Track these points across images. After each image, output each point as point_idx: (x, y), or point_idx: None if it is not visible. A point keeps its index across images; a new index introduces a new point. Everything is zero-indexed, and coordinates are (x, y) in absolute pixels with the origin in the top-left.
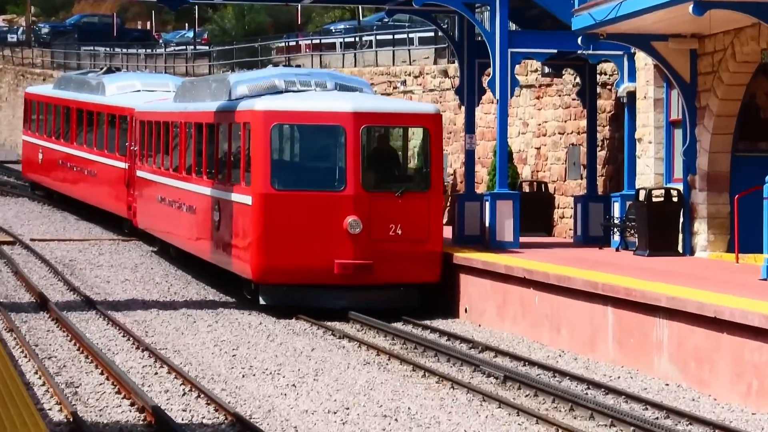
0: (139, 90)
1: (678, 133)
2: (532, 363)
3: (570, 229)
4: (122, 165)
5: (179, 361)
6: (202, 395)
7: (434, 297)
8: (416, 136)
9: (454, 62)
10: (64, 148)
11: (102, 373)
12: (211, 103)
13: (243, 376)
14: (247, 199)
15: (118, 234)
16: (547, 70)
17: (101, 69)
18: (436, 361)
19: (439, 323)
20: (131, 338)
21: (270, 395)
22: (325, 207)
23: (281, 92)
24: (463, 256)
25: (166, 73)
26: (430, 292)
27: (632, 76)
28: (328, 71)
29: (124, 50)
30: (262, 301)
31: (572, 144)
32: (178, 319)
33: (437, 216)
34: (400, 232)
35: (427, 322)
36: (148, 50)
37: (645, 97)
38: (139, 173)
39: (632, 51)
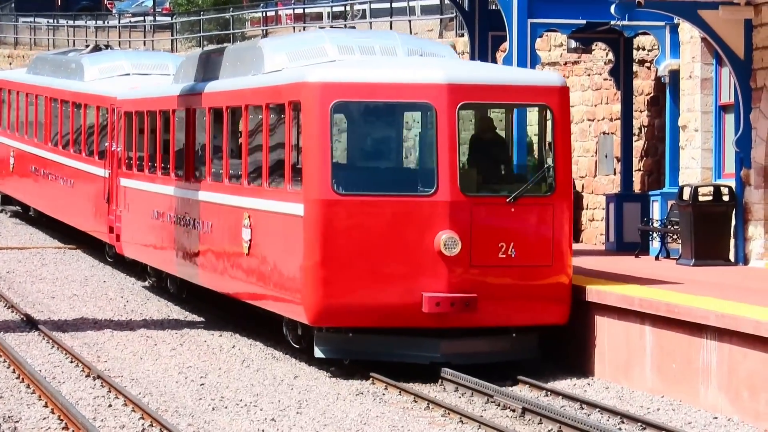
0: (129, 73)
1: (730, 119)
2: (555, 393)
3: (601, 234)
4: (101, 172)
5: (137, 391)
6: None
7: (558, 345)
8: (532, 117)
9: (463, 35)
10: (38, 151)
11: (46, 406)
12: (233, 80)
13: (213, 409)
14: (297, 209)
15: (64, 241)
16: (573, 44)
17: (87, 46)
18: (441, 391)
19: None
20: (80, 364)
21: (245, 431)
22: (408, 218)
23: (334, 61)
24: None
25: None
26: (552, 338)
27: (675, 52)
28: (392, 32)
29: (70, 22)
30: (318, 353)
31: (603, 133)
32: (135, 341)
33: (565, 231)
34: (513, 253)
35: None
36: (99, 22)
37: (690, 77)
38: (125, 182)
39: (675, 21)
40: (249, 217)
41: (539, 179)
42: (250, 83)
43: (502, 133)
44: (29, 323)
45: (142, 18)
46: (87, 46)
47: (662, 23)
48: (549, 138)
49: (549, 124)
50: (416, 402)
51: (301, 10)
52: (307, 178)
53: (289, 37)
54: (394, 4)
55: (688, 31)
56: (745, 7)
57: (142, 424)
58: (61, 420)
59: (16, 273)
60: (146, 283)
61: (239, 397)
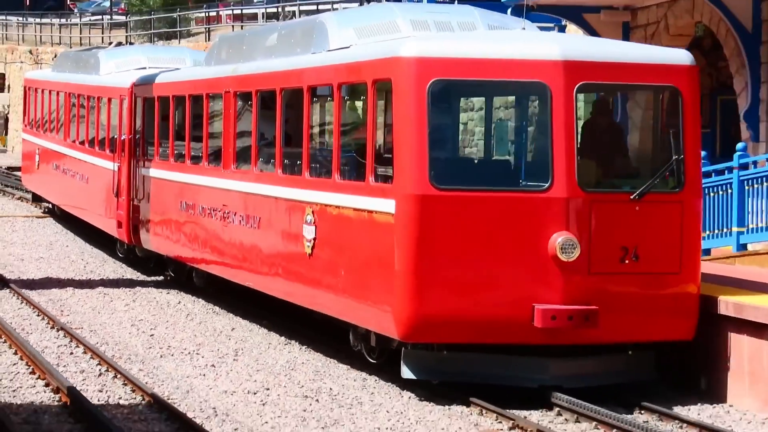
0: (145, 67)
1: None
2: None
3: None
4: (110, 165)
5: (95, 341)
6: (118, 376)
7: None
8: (652, 101)
9: None
10: (58, 147)
11: (16, 353)
12: (289, 59)
13: (161, 356)
14: (385, 206)
15: (32, 211)
16: None
17: (110, 43)
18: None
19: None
20: (46, 317)
21: (188, 375)
22: (517, 217)
23: (409, 37)
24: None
25: (81, 44)
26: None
27: None
28: (467, 6)
29: (38, 20)
30: (407, 373)
31: None
32: (94, 297)
33: (695, 233)
34: (636, 258)
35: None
36: (63, 20)
37: None
38: (145, 171)
39: (563, 23)
40: (312, 213)
41: (666, 173)
42: (314, 61)
43: (623, 119)
44: (1, 281)
45: (100, 17)
46: (110, 43)
47: (552, 25)
48: (678, 125)
49: (677, 108)
50: (339, 352)
51: (239, 11)
52: (400, 169)
53: (352, 12)
54: (320, 6)
55: (575, 32)
56: (623, 11)
57: (100, 369)
58: (29, 365)
59: None
60: (161, 278)
61: (184, 346)
